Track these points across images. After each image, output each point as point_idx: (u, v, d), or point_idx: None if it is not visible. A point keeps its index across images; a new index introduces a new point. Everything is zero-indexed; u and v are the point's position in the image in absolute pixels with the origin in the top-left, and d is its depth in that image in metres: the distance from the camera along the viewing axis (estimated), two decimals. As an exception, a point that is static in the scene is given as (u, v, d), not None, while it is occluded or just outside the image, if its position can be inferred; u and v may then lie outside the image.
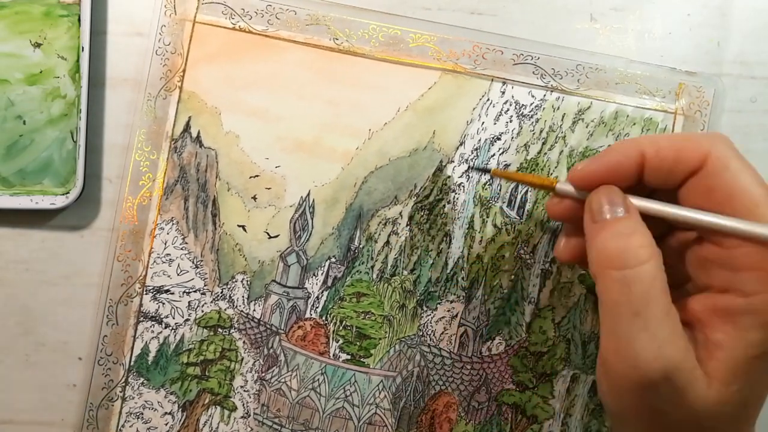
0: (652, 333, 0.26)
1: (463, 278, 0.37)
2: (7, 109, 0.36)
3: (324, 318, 0.37)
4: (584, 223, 0.29)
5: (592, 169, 0.30)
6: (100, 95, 0.37)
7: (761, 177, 0.27)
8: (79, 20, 0.36)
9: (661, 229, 0.30)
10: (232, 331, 0.37)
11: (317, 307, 0.37)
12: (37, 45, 0.36)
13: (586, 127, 0.38)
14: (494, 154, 0.37)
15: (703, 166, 0.28)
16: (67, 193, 0.36)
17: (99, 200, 0.37)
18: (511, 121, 0.37)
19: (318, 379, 0.37)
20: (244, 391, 0.37)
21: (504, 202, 0.37)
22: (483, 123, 0.37)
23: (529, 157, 0.38)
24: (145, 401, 0.37)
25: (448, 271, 0.37)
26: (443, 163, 0.37)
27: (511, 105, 0.37)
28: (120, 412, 0.37)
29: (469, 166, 0.37)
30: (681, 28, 0.39)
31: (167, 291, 0.37)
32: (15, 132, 0.36)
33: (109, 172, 0.37)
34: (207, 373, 0.37)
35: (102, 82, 0.37)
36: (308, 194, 0.37)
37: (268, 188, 0.37)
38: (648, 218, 0.28)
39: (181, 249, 0.37)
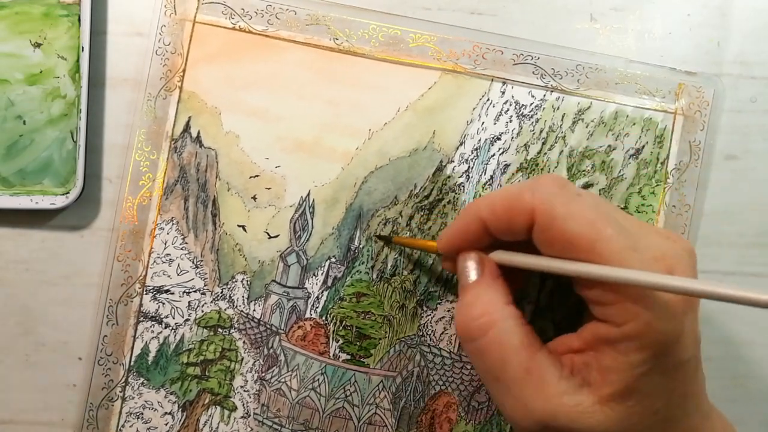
0: (514, 395, 0.28)
1: (463, 278, 0.37)
2: (7, 109, 0.36)
3: (324, 318, 0.37)
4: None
5: (449, 237, 0.32)
6: (100, 95, 0.37)
7: (591, 209, 0.27)
8: (79, 20, 0.36)
9: None
10: (232, 331, 0.37)
11: (317, 307, 0.37)
12: (37, 45, 0.36)
13: (586, 127, 0.38)
14: (494, 154, 0.37)
15: (534, 221, 0.28)
16: (67, 193, 0.36)
17: (99, 200, 0.37)
18: (511, 121, 0.37)
19: (318, 379, 0.37)
20: (244, 391, 0.37)
21: (504, 202, 0.37)
22: (483, 123, 0.37)
23: (529, 157, 0.38)
24: (145, 401, 0.37)
25: (448, 272, 0.37)
26: (443, 163, 0.37)
27: (511, 105, 0.37)
28: (120, 412, 0.37)
29: (375, 236, 0.37)
30: (681, 28, 0.39)
31: (167, 291, 0.37)
32: (15, 132, 0.36)
33: (109, 172, 0.37)
34: (207, 373, 0.37)
35: (102, 82, 0.37)
36: (308, 194, 0.37)
37: (268, 188, 0.37)
38: None
39: (181, 249, 0.37)
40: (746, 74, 0.39)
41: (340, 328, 0.37)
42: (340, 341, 0.37)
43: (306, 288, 0.37)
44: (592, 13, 0.38)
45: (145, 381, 0.37)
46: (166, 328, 0.37)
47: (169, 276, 0.37)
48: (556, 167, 0.37)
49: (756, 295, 0.23)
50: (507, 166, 0.38)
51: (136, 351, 0.37)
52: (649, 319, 0.26)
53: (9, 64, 0.36)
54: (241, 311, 0.37)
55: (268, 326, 0.37)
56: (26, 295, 0.37)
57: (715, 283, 0.24)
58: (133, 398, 0.37)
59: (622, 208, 0.37)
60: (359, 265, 0.37)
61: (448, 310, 0.37)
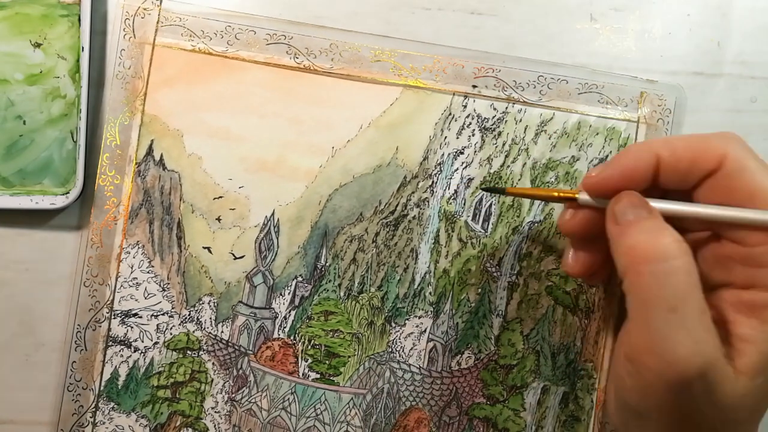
0: (689, 330, 0.26)
1: (430, 293, 0.37)
2: (7, 109, 0.36)
3: (292, 337, 0.37)
4: (607, 228, 0.29)
5: (608, 175, 0.30)
6: (100, 95, 0.37)
7: None
8: (79, 20, 0.36)
9: None
10: (201, 353, 0.37)
11: (285, 327, 0.37)
12: (37, 45, 0.36)
13: (549, 138, 0.37)
14: (457, 169, 0.37)
15: (721, 167, 0.28)
16: (67, 193, 0.36)
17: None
18: (473, 135, 0.37)
19: (288, 399, 0.37)
20: (215, 412, 0.37)
21: (469, 216, 0.37)
22: (446, 137, 0.37)
23: (492, 171, 0.37)
24: (116, 426, 0.37)
25: (415, 287, 0.37)
26: (407, 179, 0.37)
27: (473, 118, 0.37)
28: (91, 438, 0.37)
29: (482, 188, 0.36)
30: (681, 28, 0.39)
31: (135, 315, 0.37)
32: (15, 132, 0.36)
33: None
34: (177, 396, 0.37)
35: (102, 82, 0.37)
36: (273, 214, 0.37)
37: (233, 209, 0.37)
38: None
39: (148, 272, 0.37)
40: (746, 74, 0.39)
41: (309, 347, 0.37)
42: (309, 360, 0.37)
43: (273, 308, 0.37)
44: (592, 13, 0.38)
45: (115, 405, 0.37)
46: (135, 351, 0.37)
47: (136, 300, 0.37)
48: (519, 180, 0.37)
49: None
50: (471, 179, 0.37)
51: (106, 375, 0.37)
52: None
53: (9, 65, 0.36)
54: (209, 333, 0.37)
55: (237, 347, 0.37)
56: (26, 295, 0.37)
57: None
58: (104, 423, 0.37)
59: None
60: (326, 283, 0.37)
61: (417, 326, 0.37)
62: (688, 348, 0.26)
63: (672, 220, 0.28)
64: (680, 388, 0.26)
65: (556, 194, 0.32)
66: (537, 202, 0.37)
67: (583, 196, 0.31)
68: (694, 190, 0.29)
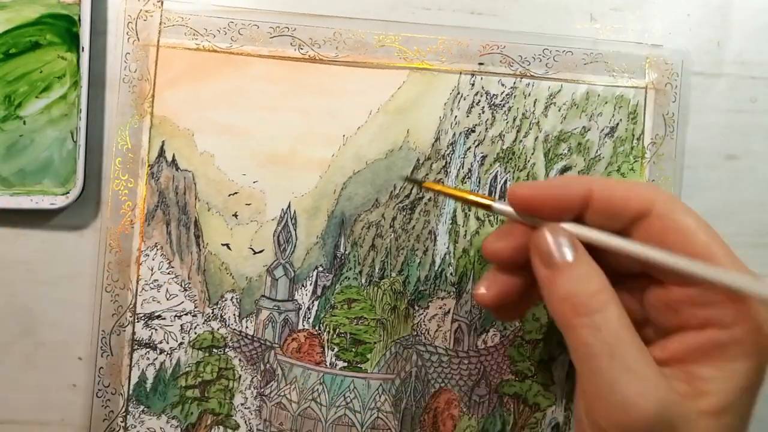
0: (634, 372, 0.25)
1: (451, 274, 0.37)
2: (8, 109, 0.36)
3: (317, 328, 0.37)
4: (534, 266, 0.29)
5: (536, 194, 0.29)
6: (100, 95, 0.37)
7: (703, 220, 0.27)
8: (79, 20, 0.36)
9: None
10: (226, 350, 0.37)
11: (309, 318, 0.37)
12: (37, 45, 0.36)
13: (559, 110, 0.37)
14: (470, 147, 0.37)
15: (652, 209, 0.27)
16: (67, 193, 0.36)
17: (99, 200, 0.37)
18: (483, 112, 0.37)
19: (317, 389, 0.37)
20: (245, 408, 0.37)
21: (485, 194, 0.37)
22: (456, 117, 0.37)
23: (505, 147, 0.37)
24: (148, 428, 0.37)
25: (436, 269, 0.37)
26: (420, 161, 0.37)
27: (482, 96, 0.37)
28: (123, 442, 0.37)
29: (404, 178, 0.36)
30: (681, 28, 0.39)
31: (158, 317, 0.37)
32: (15, 132, 0.36)
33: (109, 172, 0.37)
34: (206, 394, 0.37)
35: (103, 82, 0.37)
36: (289, 206, 0.37)
37: (248, 204, 0.37)
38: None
39: (168, 273, 0.37)
40: (746, 74, 0.39)
41: (334, 336, 0.37)
42: (336, 349, 0.37)
43: (296, 300, 0.37)
44: (592, 13, 0.38)
45: (145, 408, 0.37)
46: (161, 353, 0.37)
47: (158, 302, 0.37)
48: (532, 154, 0.37)
49: None
50: (484, 157, 0.37)
51: (134, 379, 0.37)
52: (761, 323, 0.25)
53: (9, 64, 0.36)
54: (234, 329, 0.37)
55: (262, 341, 0.37)
56: (26, 295, 0.37)
57: None
58: (135, 427, 0.37)
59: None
60: (347, 271, 0.37)
61: (440, 308, 0.37)
62: (637, 391, 0.25)
63: (607, 260, 0.28)
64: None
65: (472, 197, 0.31)
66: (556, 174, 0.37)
67: (498, 206, 0.30)
68: (622, 233, 0.28)
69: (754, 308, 0.25)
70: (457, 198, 0.33)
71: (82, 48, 0.36)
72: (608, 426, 0.26)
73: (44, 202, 0.36)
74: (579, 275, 0.27)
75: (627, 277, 0.29)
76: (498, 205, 0.30)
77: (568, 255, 0.28)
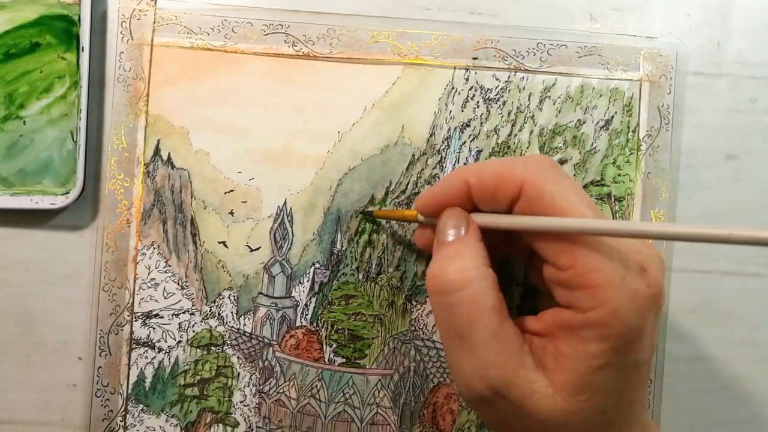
0: (477, 356, 0.28)
1: (448, 269, 0.37)
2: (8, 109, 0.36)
3: (315, 324, 0.37)
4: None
5: (429, 197, 0.32)
6: (100, 95, 0.37)
7: (580, 190, 0.29)
8: (79, 20, 0.36)
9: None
10: (225, 347, 0.37)
11: (307, 315, 0.37)
12: (37, 45, 0.36)
13: (554, 104, 0.37)
14: (465, 142, 0.37)
15: (521, 193, 0.29)
16: (67, 193, 0.36)
17: (99, 200, 0.37)
18: (478, 107, 0.37)
19: (316, 386, 0.37)
20: (244, 405, 0.37)
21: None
22: (450, 112, 0.37)
23: (500, 141, 0.37)
24: (147, 427, 0.37)
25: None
26: (416, 157, 0.37)
27: (476, 90, 0.37)
28: (123, 441, 0.37)
29: (359, 212, 0.37)
30: (681, 28, 0.39)
31: (156, 315, 0.37)
32: (15, 132, 0.36)
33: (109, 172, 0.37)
34: (205, 392, 0.37)
35: (102, 82, 0.37)
36: (285, 203, 0.37)
37: (244, 202, 0.37)
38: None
39: (165, 272, 0.37)
40: (746, 74, 0.39)
41: (332, 332, 0.37)
42: (334, 345, 0.37)
43: (293, 297, 0.37)
44: (592, 13, 0.38)
45: (144, 407, 0.37)
46: (159, 352, 0.37)
47: (156, 300, 0.37)
48: (527, 148, 0.37)
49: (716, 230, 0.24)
50: (479, 152, 0.37)
51: (132, 378, 0.37)
52: (615, 307, 0.26)
53: (9, 65, 0.36)
54: (232, 327, 0.37)
55: (260, 339, 0.37)
56: (26, 295, 0.37)
57: (686, 225, 0.26)
58: (134, 426, 0.37)
59: (598, 181, 0.37)
60: (344, 267, 0.37)
61: (438, 302, 0.37)
62: (475, 373, 0.28)
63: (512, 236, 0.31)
64: (482, 405, 0.29)
65: (401, 216, 0.35)
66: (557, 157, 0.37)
67: (422, 217, 0.33)
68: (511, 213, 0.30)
69: (609, 295, 0.26)
70: (395, 218, 0.37)
71: (82, 48, 0.36)
72: (460, 393, 0.30)
73: (44, 202, 0.36)
74: (448, 253, 0.29)
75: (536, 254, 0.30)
76: (420, 217, 0.33)
77: (449, 235, 0.30)
